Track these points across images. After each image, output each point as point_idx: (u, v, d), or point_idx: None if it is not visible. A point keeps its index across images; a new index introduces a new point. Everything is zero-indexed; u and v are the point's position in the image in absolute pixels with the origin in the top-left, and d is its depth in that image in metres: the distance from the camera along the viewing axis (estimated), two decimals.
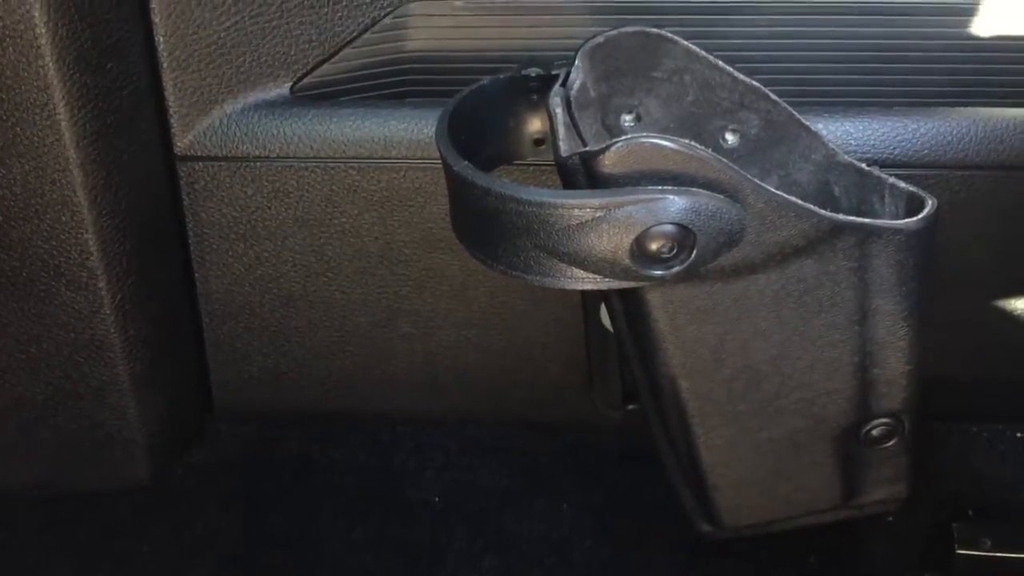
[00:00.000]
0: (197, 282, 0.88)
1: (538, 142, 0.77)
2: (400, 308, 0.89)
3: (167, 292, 0.88)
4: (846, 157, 0.71)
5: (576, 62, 0.70)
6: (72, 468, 0.93)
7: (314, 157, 0.81)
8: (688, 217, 0.60)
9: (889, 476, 0.79)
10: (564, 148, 0.65)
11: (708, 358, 0.70)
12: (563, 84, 0.70)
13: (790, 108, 0.71)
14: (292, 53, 0.80)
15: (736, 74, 0.71)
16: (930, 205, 0.66)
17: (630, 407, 0.91)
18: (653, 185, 0.61)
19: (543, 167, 0.79)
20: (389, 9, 0.79)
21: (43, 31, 0.70)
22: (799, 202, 0.64)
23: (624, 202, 0.60)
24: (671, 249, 0.61)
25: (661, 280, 0.63)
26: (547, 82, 0.72)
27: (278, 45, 0.79)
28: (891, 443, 0.76)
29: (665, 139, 0.61)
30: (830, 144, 0.71)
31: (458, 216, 0.68)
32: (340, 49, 0.80)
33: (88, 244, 0.79)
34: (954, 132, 0.78)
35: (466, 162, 0.64)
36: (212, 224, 0.85)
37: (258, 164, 0.82)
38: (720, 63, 0.71)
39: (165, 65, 0.78)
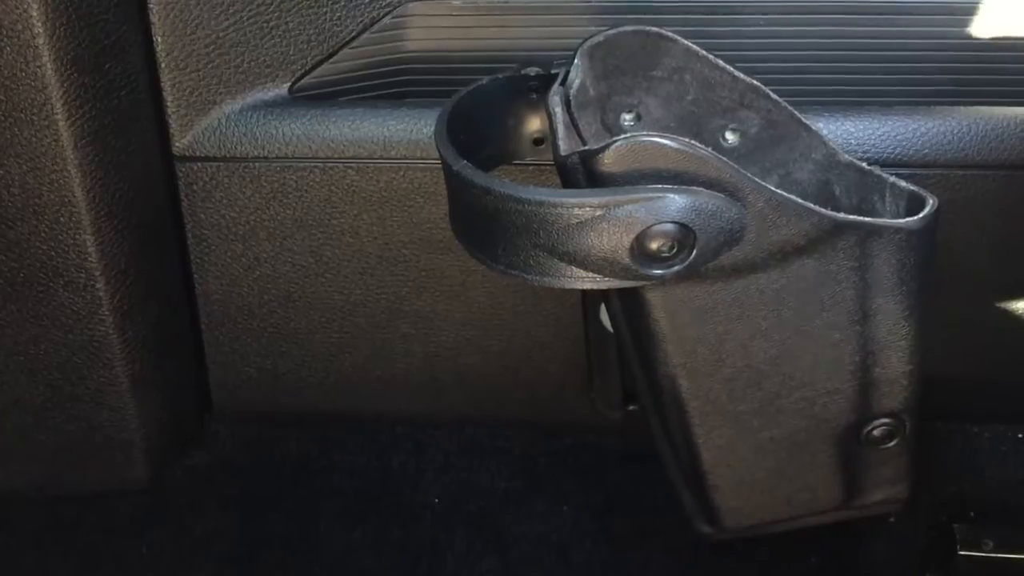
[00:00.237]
0: (196, 283, 0.88)
1: (537, 141, 0.76)
2: (399, 308, 0.89)
3: (166, 293, 0.88)
4: (847, 156, 0.71)
5: (575, 61, 0.70)
6: (70, 469, 0.93)
7: (313, 157, 0.81)
8: (688, 216, 0.60)
9: (890, 476, 0.79)
10: (563, 147, 0.65)
11: (708, 358, 0.70)
12: (562, 83, 0.70)
13: (790, 107, 0.71)
14: (291, 53, 0.79)
15: (736, 73, 0.71)
16: (931, 204, 0.66)
17: (630, 407, 0.91)
18: (653, 184, 0.61)
19: (542, 166, 0.79)
20: (388, 9, 0.79)
21: (41, 31, 0.69)
22: (800, 201, 0.63)
23: (624, 201, 0.60)
24: (671, 248, 0.61)
25: (661, 279, 0.63)
26: (546, 81, 0.72)
27: (277, 45, 0.79)
28: (892, 443, 0.76)
29: (665, 138, 0.60)
30: (831, 143, 0.71)
31: (457, 216, 0.68)
32: (339, 49, 0.80)
33: (86, 245, 0.79)
34: (955, 131, 0.78)
35: (465, 162, 0.64)
36: (211, 225, 0.85)
37: (257, 164, 0.82)
38: (720, 62, 0.71)
39: (163, 65, 0.78)
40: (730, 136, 0.73)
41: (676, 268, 0.62)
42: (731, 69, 0.71)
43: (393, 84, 0.82)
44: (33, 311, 0.83)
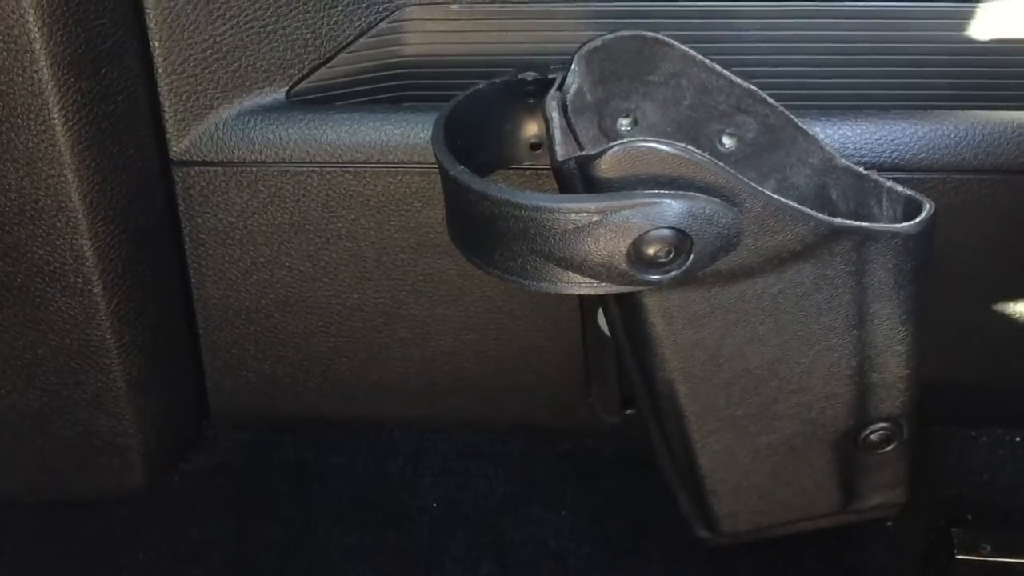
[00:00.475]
0: (193, 288, 0.88)
1: (534, 146, 0.76)
2: (397, 313, 0.88)
3: (163, 298, 0.87)
4: (843, 161, 0.71)
5: (572, 66, 0.70)
6: (68, 475, 0.93)
7: (310, 162, 0.81)
8: (685, 221, 0.60)
9: (888, 481, 0.79)
10: (560, 152, 0.65)
11: (705, 363, 0.70)
12: (559, 88, 0.70)
13: (787, 112, 0.71)
14: (288, 58, 0.79)
15: (733, 78, 0.71)
16: (928, 208, 0.66)
17: (628, 412, 0.91)
18: (650, 189, 0.61)
19: (539, 171, 0.79)
20: (385, 13, 0.79)
21: (37, 36, 0.69)
22: (796, 206, 0.63)
23: (621, 206, 0.60)
24: (668, 253, 0.61)
25: (658, 284, 0.63)
26: (543, 86, 0.72)
27: (274, 50, 0.79)
28: (890, 448, 0.76)
29: (662, 143, 0.60)
30: (827, 148, 0.71)
31: (454, 221, 0.68)
32: (336, 53, 0.80)
33: (83, 250, 0.79)
34: (951, 135, 0.78)
35: (462, 166, 0.64)
36: (208, 229, 0.85)
37: (254, 169, 0.82)
38: (717, 67, 0.71)
39: (160, 70, 0.78)
40: (727, 141, 0.73)
41: (673, 273, 0.62)
42: (728, 74, 0.71)
43: (390, 88, 0.82)
44: (30, 316, 0.83)
